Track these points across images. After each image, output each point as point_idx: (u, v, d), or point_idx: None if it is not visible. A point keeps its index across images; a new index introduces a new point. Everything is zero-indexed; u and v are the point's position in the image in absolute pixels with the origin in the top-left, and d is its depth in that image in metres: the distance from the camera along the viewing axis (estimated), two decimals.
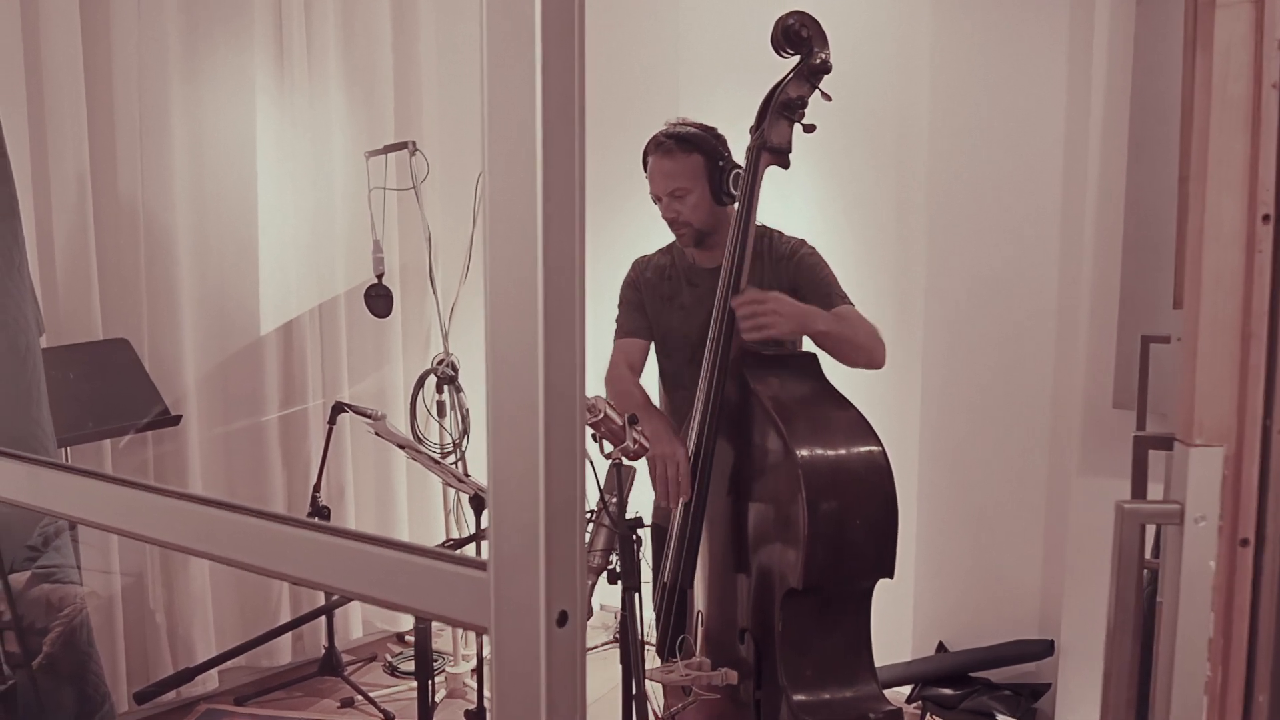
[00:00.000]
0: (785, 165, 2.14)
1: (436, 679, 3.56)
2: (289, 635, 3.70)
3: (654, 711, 2.22)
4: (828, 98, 2.12)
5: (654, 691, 2.23)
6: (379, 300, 3.69)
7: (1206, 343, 0.75)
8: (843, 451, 1.96)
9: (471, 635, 3.71)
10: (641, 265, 2.50)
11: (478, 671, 2.95)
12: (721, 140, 2.31)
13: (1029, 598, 3.37)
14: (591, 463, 1.58)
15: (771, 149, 2.11)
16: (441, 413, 3.67)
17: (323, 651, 3.64)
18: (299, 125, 3.67)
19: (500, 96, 0.61)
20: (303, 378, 3.72)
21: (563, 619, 0.66)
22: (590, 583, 2.14)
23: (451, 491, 3.71)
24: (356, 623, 3.96)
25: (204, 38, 3.40)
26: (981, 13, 3.23)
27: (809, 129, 2.13)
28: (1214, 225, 0.76)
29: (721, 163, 2.26)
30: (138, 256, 3.26)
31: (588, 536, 1.95)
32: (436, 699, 3.54)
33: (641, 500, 2.21)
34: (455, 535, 3.79)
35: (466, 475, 2.60)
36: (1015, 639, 3.33)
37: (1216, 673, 0.76)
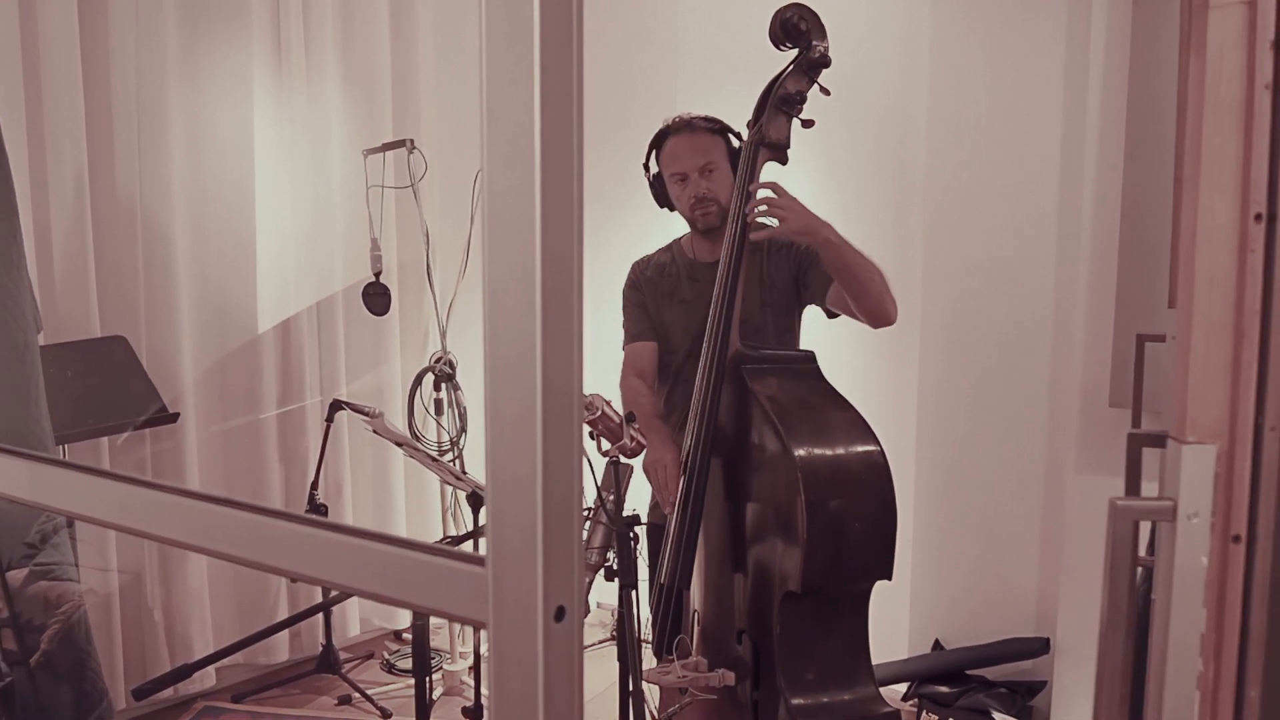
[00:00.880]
0: (783, 161, 2.14)
1: (434, 676, 3.57)
2: (286, 633, 3.70)
3: (650, 711, 2.22)
4: (826, 92, 2.12)
5: (650, 691, 2.23)
6: (377, 298, 3.69)
7: (1199, 341, 0.75)
8: (841, 452, 1.95)
9: (469, 633, 3.72)
10: (641, 265, 2.50)
11: (475, 669, 2.95)
12: (738, 135, 2.32)
13: (1025, 596, 3.38)
14: (589, 460, 1.59)
15: (770, 144, 2.11)
16: (439, 411, 3.67)
17: (320, 649, 3.64)
18: (297, 123, 3.68)
19: (499, 95, 0.61)
20: (300, 375, 3.72)
21: (560, 614, 0.66)
22: (587, 580, 2.15)
23: (449, 489, 3.72)
24: (354, 620, 3.97)
25: (202, 36, 3.40)
26: (980, 12, 3.24)
27: (807, 124, 2.12)
28: (1207, 225, 0.77)
29: (738, 147, 2.27)
30: (135, 254, 3.27)
31: (585, 533, 1.96)
32: (434, 696, 3.54)
33: (639, 498, 2.22)
34: (453, 532, 3.80)
35: (464, 473, 2.61)
36: (1011, 637, 3.34)
37: (1209, 668, 0.77)
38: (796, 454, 1.89)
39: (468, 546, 2.52)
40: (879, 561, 1.94)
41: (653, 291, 2.45)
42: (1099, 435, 2.94)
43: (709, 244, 2.34)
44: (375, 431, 2.81)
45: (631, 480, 2.02)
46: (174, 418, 3.19)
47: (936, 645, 3.45)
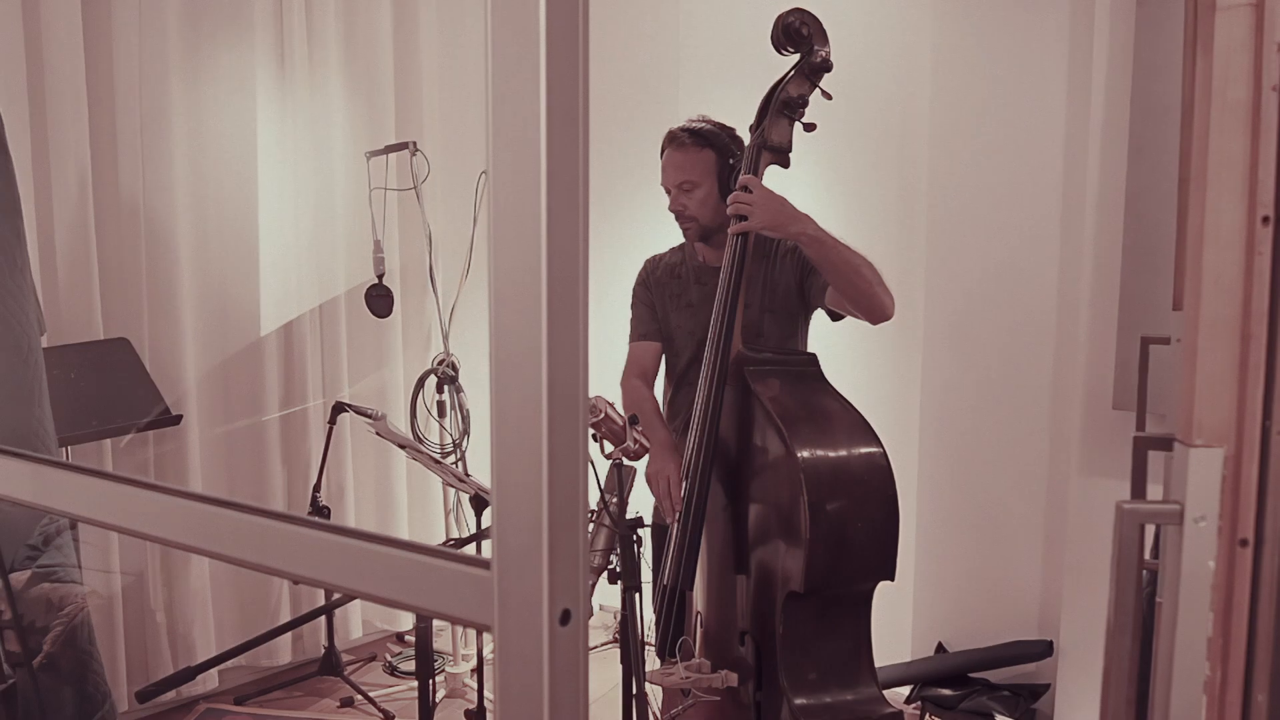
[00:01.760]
0: (785, 165, 2.14)
1: (436, 679, 3.57)
2: (289, 635, 3.70)
3: (654, 713, 2.22)
4: (828, 96, 2.12)
5: (653, 693, 2.23)
6: (379, 300, 3.69)
7: (1206, 344, 0.75)
8: (844, 454, 1.95)
9: (471, 635, 3.71)
10: (653, 264, 2.51)
11: (478, 671, 2.95)
12: (738, 141, 2.32)
13: (1028, 599, 3.37)
14: (592, 463, 1.59)
15: (772, 148, 2.11)
16: (442, 413, 3.67)
17: (322, 651, 3.64)
18: (300, 125, 3.68)
19: (504, 96, 0.61)
20: (303, 378, 3.72)
21: (565, 617, 0.66)
22: (590, 582, 2.15)
23: (452, 491, 3.72)
24: (356, 623, 3.97)
25: (205, 37, 3.41)
26: (982, 14, 3.23)
27: (809, 128, 2.13)
28: (1214, 227, 0.76)
29: (733, 160, 2.27)
30: (139, 256, 3.27)
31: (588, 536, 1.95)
32: (436, 699, 3.54)
33: (642, 500, 2.22)
34: (456, 535, 3.80)
35: (467, 475, 2.61)
36: (1014, 640, 3.34)
37: (1216, 672, 0.77)
38: (799, 455, 1.89)
39: (471, 549, 2.52)
40: (881, 562, 1.94)
41: (661, 292, 2.45)
42: (1102, 438, 2.94)
43: (716, 249, 2.35)
44: (378, 434, 2.81)
45: (635, 483, 2.02)
46: (177, 420, 3.19)
47: (939, 648, 3.45)
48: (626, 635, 1.98)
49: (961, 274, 3.34)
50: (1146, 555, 1.08)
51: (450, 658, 3.71)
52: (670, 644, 2.13)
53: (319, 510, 3.37)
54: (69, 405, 2.84)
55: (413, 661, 3.78)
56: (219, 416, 3.55)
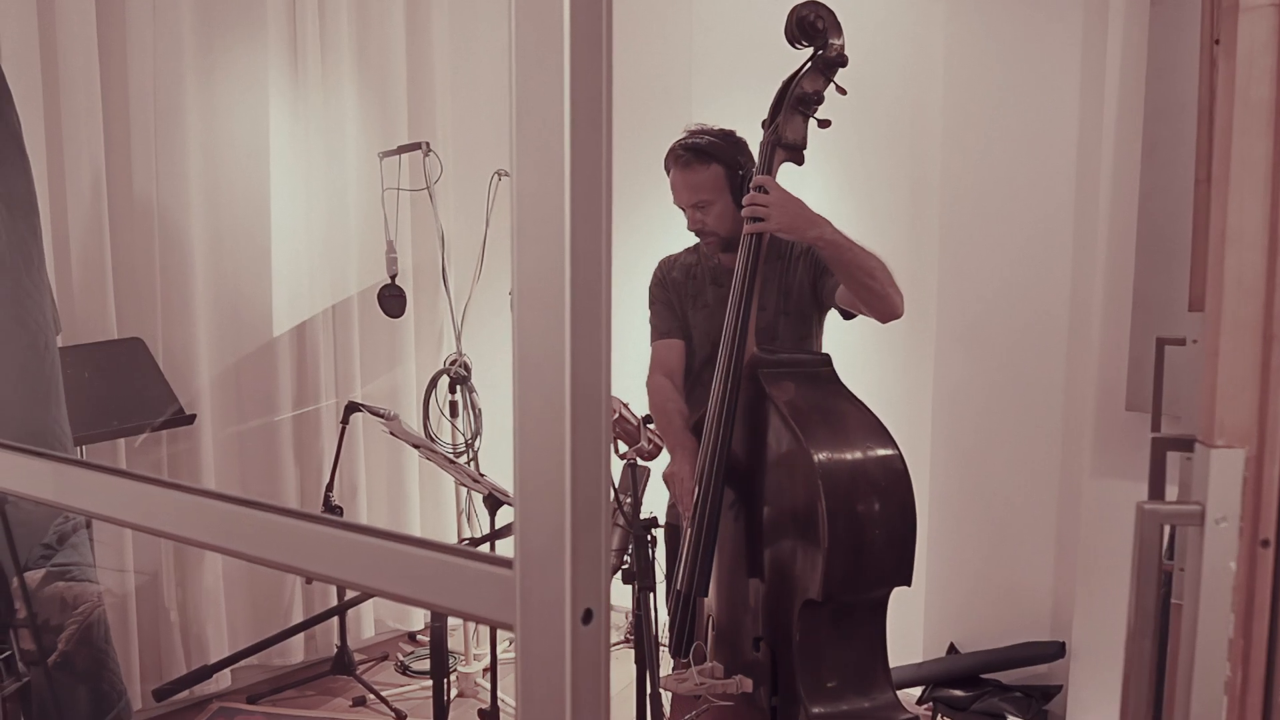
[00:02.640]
0: (799, 162, 2.12)
1: (449, 678, 3.57)
2: (301, 634, 3.71)
3: (666, 717, 2.21)
4: (843, 91, 2.09)
5: (665, 696, 2.23)
6: (392, 300, 3.70)
7: (1228, 344, 0.75)
8: (861, 457, 1.93)
9: (484, 635, 3.72)
10: (668, 265, 2.50)
11: (491, 671, 2.95)
12: (740, 145, 2.31)
13: (1041, 600, 3.36)
14: None
15: (786, 145, 2.09)
16: (454, 413, 3.68)
17: (335, 650, 3.65)
18: (312, 126, 3.69)
19: (529, 97, 0.61)
20: (316, 378, 3.73)
21: (588, 616, 0.66)
22: None
23: (464, 491, 3.72)
24: (369, 622, 3.98)
25: (218, 38, 3.42)
26: (995, 13, 3.23)
27: (824, 124, 2.10)
28: (1236, 228, 0.76)
29: (741, 171, 2.26)
30: (152, 257, 3.28)
31: None
32: (449, 698, 3.55)
33: (656, 501, 2.22)
34: (468, 535, 3.80)
35: (481, 475, 2.61)
36: (1027, 641, 3.33)
37: (1237, 673, 0.77)
38: (816, 459, 1.87)
39: (486, 549, 2.52)
40: (898, 568, 1.92)
41: (679, 292, 2.45)
42: (1115, 440, 2.93)
43: (732, 253, 2.34)
44: (391, 433, 2.82)
45: (649, 483, 2.02)
46: (190, 419, 3.20)
47: (951, 649, 3.44)
48: (640, 635, 1.98)
49: (974, 274, 3.33)
50: (1163, 557, 1.08)
51: (462, 658, 3.71)
52: (684, 648, 2.12)
53: (332, 510, 3.38)
54: (83, 405, 2.85)
55: (425, 661, 3.80)
56: (232, 416, 3.56)
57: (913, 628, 3.42)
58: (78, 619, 2.38)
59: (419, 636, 4.08)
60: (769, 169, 2.09)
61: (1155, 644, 0.85)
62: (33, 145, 2.89)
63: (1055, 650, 3.26)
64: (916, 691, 3.33)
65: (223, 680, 3.49)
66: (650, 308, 2.50)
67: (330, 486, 3.44)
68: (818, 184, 3.40)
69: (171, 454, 3.36)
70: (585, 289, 0.63)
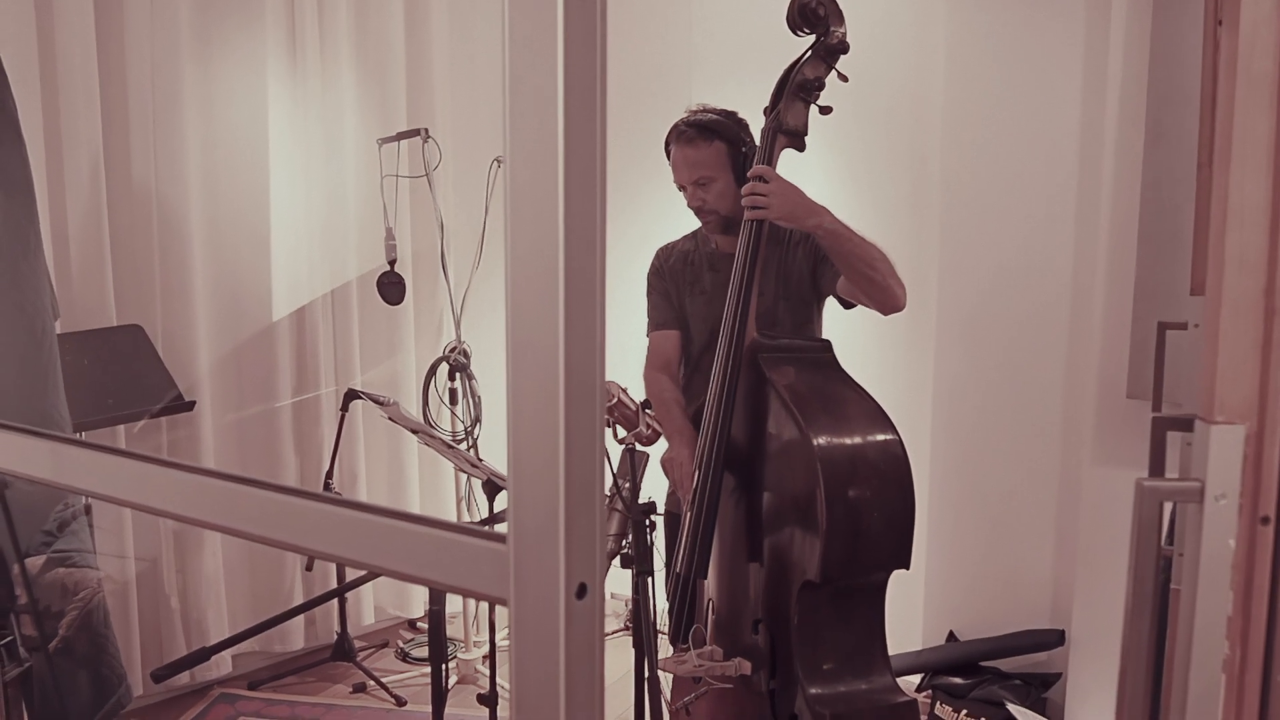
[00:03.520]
0: (801, 148, 2.13)
1: (448, 665, 3.58)
2: (302, 621, 3.72)
3: (665, 700, 2.22)
4: (844, 78, 2.10)
5: (664, 680, 2.23)
6: (391, 287, 3.70)
7: (1228, 321, 0.75)
8: (860, 441, 1.93)
9: (483, 622, 3.72)
10: (666, 252, 2.50)
11: (490, 657, 2.96)
12: (743, 125, 2.30)
13: (1040, 588, 3.36)
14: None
15: (787, 131, 2.09)
16: (453, 400, 3.68)
17: (335, 637, 3.66)
18: (311, 112, 3.68)
19: (522, 83, 0.61)
20: (315, 364, 3.73)
21: (582, 591, 0.66)
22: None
23: (463, 478, 3.72)
24: (369, 609, 3.99)
25: (216, 23, 3.41)
26: (997, 1, 3.21)
27: (825, 111, 2.10)
28: (1237, 205, 0.76)
29: (745, 149, 2.25)
30: (151, 242, 3.28)
31: None
32: (449, 684, 3.56)
33: (655, 487, 2.22)
34: (468, 521, 3.81)
35: (480, 460, 2.61)
36: (1026, 629, 3.33)
37: (1235, 651, 0.76)
38: (816, 443, 1.88)
39: None
40: (897, 551, 1.93)
41: (676, 280, 2.44)
42: (1116, 427, 2.93)
43: (731, 236, 2.34)
44: (391, 419, 2.81)
45: (647, 468, 2.02)
46: (190, 406, 3.20)
47: (951, 637, 3.45)
48: (639, 618, 1.98)
49: (975, 263, 3.32)
50: (1162, 542, 1.08)
51: (462, 645, 3.72)
52: (683, 632, 2.13)
53: None
54: (82, 391, 2.85)
55: (424, 648, 3.81)
56: (232, 403, 3.56)
57: (912, 615, 3.42)
58: (78, 605, 2.39)
59: (419, 624, 4.09)
60: (770, 154, 2.09)
61: (1154, 624, 0.85)
62: (30, 132, 2.89)
63: (1055, 638, 3.26)
64: (916, 679, 3.33)
65: (223, 666, 3.50)
66: (647, 298, 2.50)
67: (330, 473, 3.44)
68: (818, 172, 3.39)
69: (171, 440, 3.36)
70: (579, 265, 0.63)
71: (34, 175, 2.30)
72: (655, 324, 2.46)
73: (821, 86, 2.09)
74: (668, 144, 2.33)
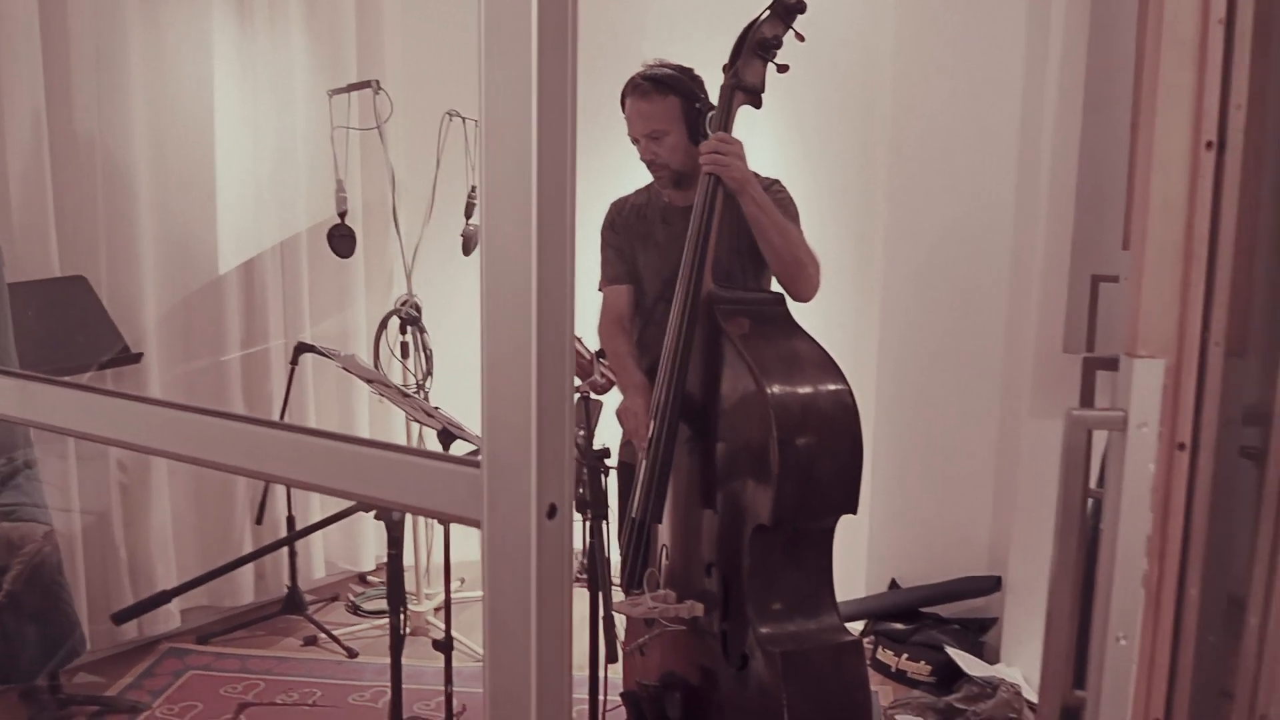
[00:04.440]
0: (758, 105, 2.17)
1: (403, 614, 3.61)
2: (251, 576, 3.72)
3: (619, 643, 2.28)
4: (801, 38, 2.15)
5: (619, 624, 2.29)
6: (341, 240, 3.67)
7: (1152, 262, 0.80)
8: (812, 390, 2.00)
9: (436, 576, 3.75)
10: (619, 206, 2.53)
11: (445, 609, 2.99)
12: (698, 82, 2.34)
13: (979, 536, 3.48)
14: None
15: (745, 88, 2.14)
16: (405, 353, 3.67)
17: (285, 591, 3.67)
18: (260, 63, 3.62)
19: (497, 32, 0.63)
20: (264, 317, 3.71)
21: (552, 511, 0.70)
22: None
23: (415, 431, 3.74)
24: (319, 563, 3.99)
25: None
26: None
27: (783, 69, 2.15)
28: (1162, 154, 0.81)
29: (698, 104, 2.29)
30: (95, 193, 3.22)
31: None
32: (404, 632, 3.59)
33: (608, 437, 2.27)
34: None
35: (435, 409, 2.63)
36: (965, 576, 3.45)
37: (1154, 567, 0.83)
38: (769, 392, 1.94)
39: None
40: (846, 497, 2.00)
41: (629, 233, 2.48)
42: (1053, 380, 3.02)
43: (682, 190, 2.37)
44: (345, 368, 2.81)
45: (601, 416, 2.07)
46: (137, 358, 3.17)
47: (893, 585, 3.56)
48: (594, 562, 2.03)
49: (920, 222, 3.40)
50: (1093, 484, 1.14)
51: (414, 598, 3.75)
52: (638, 576, 2.19)
53: None
54: (26, 343, 2.81)
55: (375, 601, 3.83)
56: (179, 355, 3.53)
57: (856, 564, 3.52)
58: (24, 559, 2.38)
59: (369, 577, 4.11)
60: (729, 110, 2.14)
61: (1081, 550, 0.91)
62: None
63: (992, 584, 3.39)
64: (859, 625, 3.44)
65: (172, 621, 3.49)
66: (601, 253, 2.52)
67: None
68: (768, 131, 3.44)
69: None
70: (551, 195, 0.66)
71: None
72: (608, 279, 2.49)
73: (779, 45, 2.13)
74: (624, 97, 2.35)
